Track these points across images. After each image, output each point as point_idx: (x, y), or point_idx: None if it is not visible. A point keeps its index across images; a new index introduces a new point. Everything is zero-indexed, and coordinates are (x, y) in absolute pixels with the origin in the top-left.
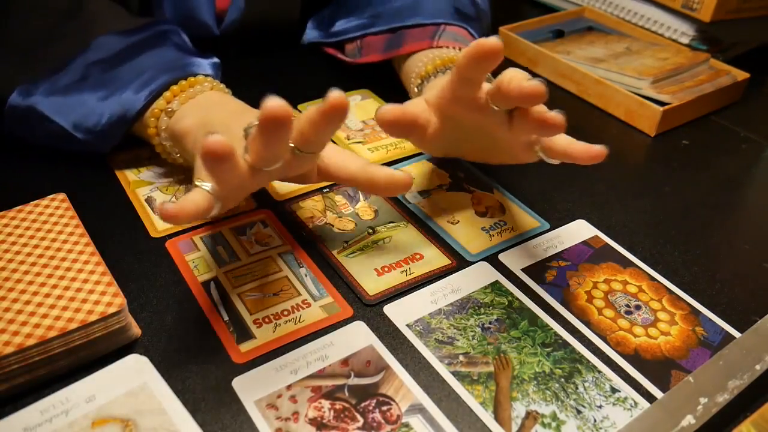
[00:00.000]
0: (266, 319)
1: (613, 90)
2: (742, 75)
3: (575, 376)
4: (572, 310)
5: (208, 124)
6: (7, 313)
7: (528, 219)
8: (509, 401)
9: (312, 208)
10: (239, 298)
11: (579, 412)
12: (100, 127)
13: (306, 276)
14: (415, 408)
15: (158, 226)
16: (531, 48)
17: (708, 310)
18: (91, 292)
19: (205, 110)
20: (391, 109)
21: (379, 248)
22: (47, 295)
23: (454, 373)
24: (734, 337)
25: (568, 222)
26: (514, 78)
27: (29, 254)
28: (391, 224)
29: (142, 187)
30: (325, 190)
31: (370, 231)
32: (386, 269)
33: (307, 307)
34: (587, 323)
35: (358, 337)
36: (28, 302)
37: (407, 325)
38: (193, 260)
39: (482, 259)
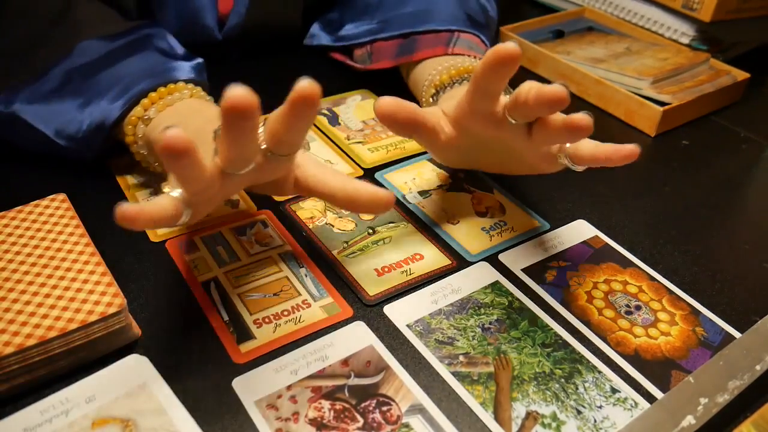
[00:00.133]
0: (266, 320)
1: (613, 90)
2: (742, 75)
3: (575, 377)
4: (572, 310)
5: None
6: (7, 313)
7: (528, 219)
8: (509, 401)
9: (312, 208)
10: (239, 298)
11: (579, 412)
12: (81, 135)
13: (306, 276)
14: (415, 408)
15: (158, 231)
16: (531, 48)
17: (708, 310)
18: (91, 293)
19: (182, 118)
20: (389, 101)
21: (379, 248)
22: (47, 296)
23: (454, 374)
24: (734, 338)
25: (568, 222)
26: (533, 87)
27: (29, 254)
28: (391, 224)
29: (142, 191)
30: None
31: (370, 231)
32: (386, 269)
33: (307, 307)
34: (587, 323)
35: (358, 337)
36: (28, 302)
37: (407, 326)
38: (193, 260)
39: (482, 260)
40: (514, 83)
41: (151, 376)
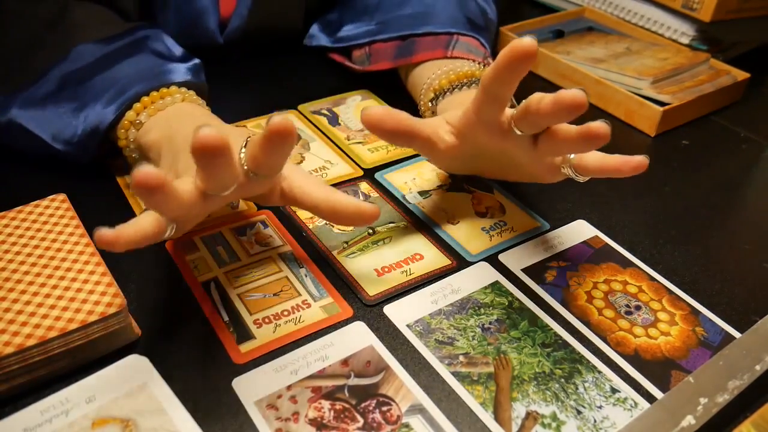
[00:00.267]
0: (266, 320)
1: (613, 90)
2: (742, 75)
3: (575, 377)
4: (572, 310)
5: (172, 139)
6: (7, 313)
7: (528, 219)
8: (509, 401)
9: None
10: (239, 299)
11: (579, 412)
12: (77, 139)
13: (306, 276)
14: (415, 408)
15: None
16: None
17: (708, 310)
18: (91, 293)
19: (172, 123)
20: (376, 109)
21: (379, 248)
22: (47, 296)
23: (454, 374)
24: (734, 338)
25: (568, 222)
26: (546, 95)
27: (29, 255)
28: (391, 224)
29: None
30: None
31: (370, 231)
32: (386, 269)
33: (307, 307)
34: (587, 323)
35: (358, 337)
36: (28, 303)
37: (407, 326)
38: (193, 260)
39: (482, 260)
40: (518, 92)
41: (151, 376)
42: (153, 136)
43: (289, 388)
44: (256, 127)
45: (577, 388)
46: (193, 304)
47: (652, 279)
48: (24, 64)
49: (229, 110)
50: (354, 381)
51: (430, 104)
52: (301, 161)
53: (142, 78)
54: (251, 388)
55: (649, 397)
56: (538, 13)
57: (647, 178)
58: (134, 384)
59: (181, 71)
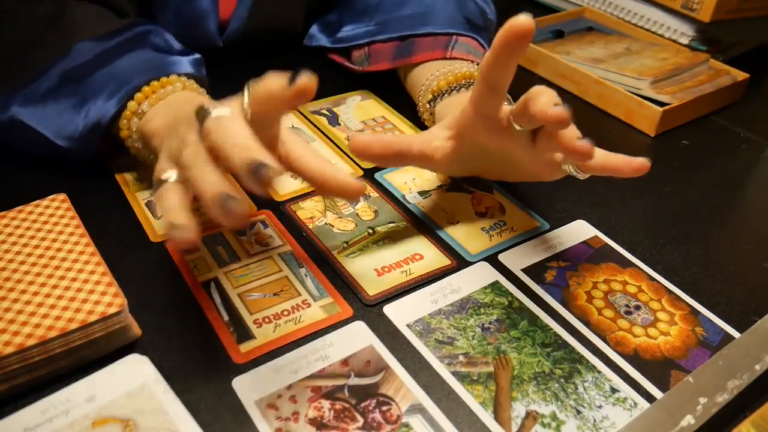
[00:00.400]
0: (266, 319)
1: (613, 90)
2: (742, 75)
3: (575, 376)
4: (572, 310)
5: (174, 125)
6: (7, 313)
7: (528, 219)
8: (509, 401)
9: (312, 209)
10: (239, 298)
11: (579, 412)
12: (79, 135)
13: (306, 276)
14: (415, 408)
15: (158, 231)
16: (531, 48)
17: (708, 310)
18: (91, 293)
19: (173, 110)
20: (362, 135)
21: (379, 248)
22: (47, 296)
23: (454, 373)
24: (734, 337)
25: (568, 222)
26: (540, 98)
27: (30, 254)
28: (391, 224)
29: (143, 190)
30: None
31: (370, 231)
32: (386, 269)
33: (307, 307)
34: (587, 323)
35: (358, 337)
36: (28, 302)
37: (407, 325)
38: (193, 260)
39: (482, 259)
40: (516, 88)
41: (151, 376)
42: (155, 124)
43: (289, 387)
44: None
45: (576, 388)
46: (193, 304)
47: (652, 279)
48: (24, 63)
49: None
50: (354, 381)
51: (428, 105)
52: None
53: (142, 71)
54: (251, 388)
55: (649, 397)
56: (538, 13)
57: (647, 178)
58: (134, 384)
59: (183, 63)
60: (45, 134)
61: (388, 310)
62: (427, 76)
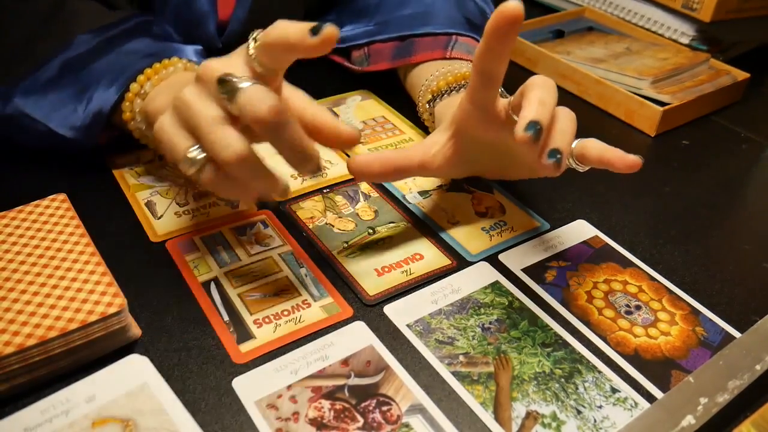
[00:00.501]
0: (266, 319)
1: (613, 90)
2: (742, 75)
3: (575, 376)
4: (572, 310)
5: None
6: (7, 313)
7: (528, 219)
8: (509, 401)
9: (312, 209)
10: (239, 298)
11: (579, 412)
12: (81, 123)
13: (306, 276)
14: (415, 408)
15: (158, 231)
16: (531, 48)
17: (708, 310)
18: (91, 293)
19: (175, 87)
20: (360, 156)
21: (379, 248)
22: (47, 296)
23: (454, 373)
24: (734, 337)
25: (568, 222)
26: (534, 87)
27: (29, 254)
28: (391, 224)
29: (142, 190)
30: (325, 191)
31: (370, 231)
32: (386, 269)
33: (307, 307)
34: (587, 323)
35: (358, 337)
36: (28, 302)
37: (407, 326)
38: (193, 260)
39: (482, 259)
40: (514, 85)
41: (151, 376)
42: (159, 102)
43: (289, 387)
44: None
45: (577, 388)
46: (193, 304)
47: (652, 279)
48: (25, 57)
49: None
50: (354, 381)
51: (427, 105)
52: None
53: (144, 56)
54: (251, 388)
55: (649, 397)
56: (538, 13)
57: (647, 178)
58: (134, 384)
59: (187, 51)
60: (47, 124)
61: (388, 310)
62: (426, 77)
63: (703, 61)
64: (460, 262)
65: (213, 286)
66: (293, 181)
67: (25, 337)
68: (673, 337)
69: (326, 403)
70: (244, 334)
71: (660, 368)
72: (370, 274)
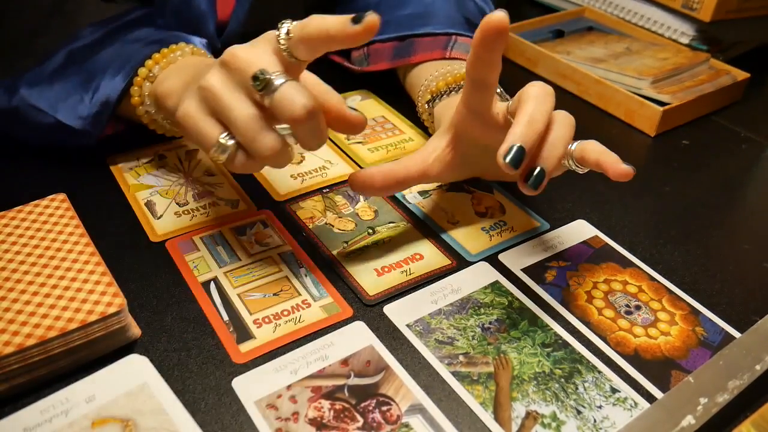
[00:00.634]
0: (266, 319)
1: (613, 90)
2: (742, 75)
3: (575, 377)
4: (572, 310)
5: (191, 83)
6: (7, 313)
7: (528, 219)
8: (509, 401)
9: (312, 208)
10: (239, 298)
11: (579, 412)
12: (88, 112)
13: (306, 276)
14: (415, 408)
15: (158, 231)
16: (531, 48)
17: (708, 310)
18: (91, 292)
19: (188, 70)
20: (361, 171)
21: (379, 248)
22: (47, 295)
23: (454, 373)
24: (734, 337)
25: (568, 222)
26: (527, 104)
27: (29, 254)
28: (391, 224)
29: (142, 190)
30: (325, 191)
31: (370, 231)
32: (386, 269)
33: (307, 307)
34: (587, 323)
35: (358, 337)
36: (28, 302)
37: (407, 325)
38: (193, 260)
39: (482, 259)
40: (516, 88)
41: (151, 376)
42: (169, 84)
43: (289, 387)
44: None
45: (577, 388)
46: (193, 304)
47: (652, 279)
48: (29, 50)
49: None
50: (354, 381)
51: (427, 106)
52: (302, 161)
53: (150, 43)
54: (251, 388)
55: (649, 397)
56: (538, 13)
57: (647, 178)
58: (134, 384)
59: (194, 40)
60: (54, 115)
61: (388, 310)
62: (426, 77)
63: (703, 61)
64: (459, 262)
65: (213, 286)
66: (293, 181)
67: (25, 336)
68: (673, 337)
69: (326, 403)
70: (243, 334)
71: (660, 368)
72: (370, 274)
